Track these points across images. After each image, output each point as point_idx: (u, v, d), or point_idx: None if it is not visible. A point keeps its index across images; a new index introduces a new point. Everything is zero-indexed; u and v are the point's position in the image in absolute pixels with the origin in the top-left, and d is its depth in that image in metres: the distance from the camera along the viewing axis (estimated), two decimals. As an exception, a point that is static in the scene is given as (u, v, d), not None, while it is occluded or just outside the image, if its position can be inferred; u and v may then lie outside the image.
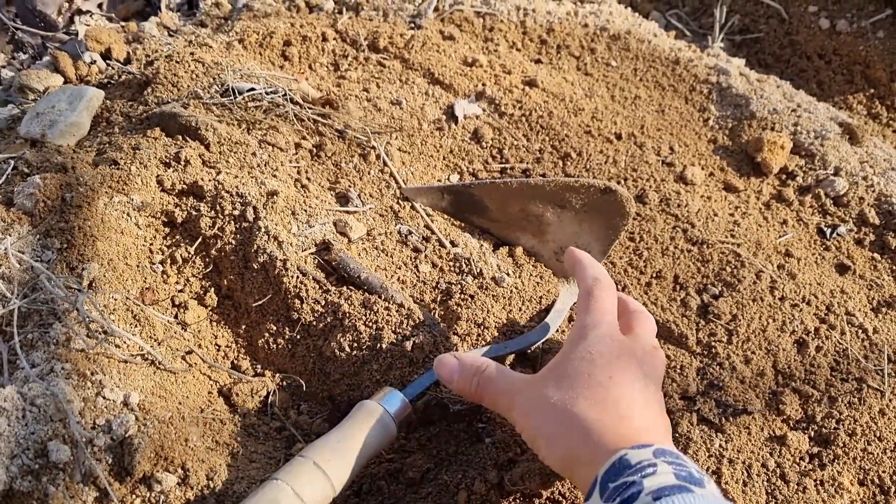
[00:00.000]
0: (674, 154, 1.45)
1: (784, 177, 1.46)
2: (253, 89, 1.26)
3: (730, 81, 1.58)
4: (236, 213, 1.13)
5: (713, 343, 1.23)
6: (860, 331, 1.29)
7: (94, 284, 1.04)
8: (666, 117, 1.52)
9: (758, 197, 1.42)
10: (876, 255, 1.39)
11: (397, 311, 1.08)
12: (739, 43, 1.86)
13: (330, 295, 1.09)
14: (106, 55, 1.50)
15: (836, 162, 1.45)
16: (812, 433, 1.16)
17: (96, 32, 1.50)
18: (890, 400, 1.23)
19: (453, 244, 1.22)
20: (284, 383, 1.09)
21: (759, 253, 1.32)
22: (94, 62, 1.48)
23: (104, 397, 0.92)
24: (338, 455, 0.87)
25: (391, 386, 0.98)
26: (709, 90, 1.58)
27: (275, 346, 1.09)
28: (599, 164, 1.39)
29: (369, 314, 1.08)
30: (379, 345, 1.04)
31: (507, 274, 1.22)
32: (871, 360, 1.28)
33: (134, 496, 0.87)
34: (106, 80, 1.45)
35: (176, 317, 1.10)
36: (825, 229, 1.40)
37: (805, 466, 1.12)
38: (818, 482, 1.10)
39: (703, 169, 1.44)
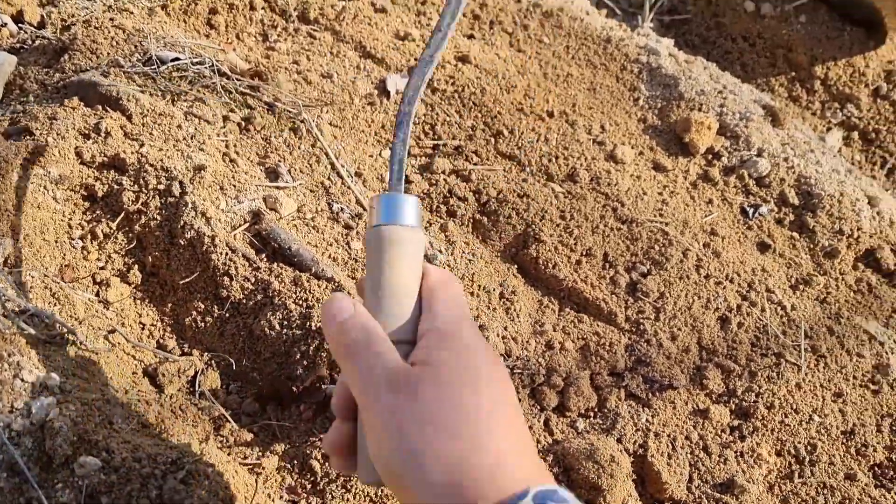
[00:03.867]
0: (604, 133, 1.46)
1: (710, 157, 1.49)
2: (178, 59, 1.21)
3: (660, 62, 1.60)
4: (161, 187, 1.09)
5: (641, 320, 1.26)
6: (779, 308, 1.34)
7: (9, 261, 0.99)
8: (597, 96, 1.53)
9: (685, 176, 1.45)
10: (795, 234, 1.44)
11: (329, 287, 1.07)
12: (668, 23, 1.89)
13: (260, 272, 1.07)
14: (18, 18, 1.42)
15: (759, 143, 1.49)
16: (733, 406, 1.20)
17: (7, -6, 1.41)
18: (806, 374, 1.28)
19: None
20: (213, 363, 1.06)
21: (685, 231, 1.35)
22: (4, 25, 1.40)
23: (22, 379, 0.88)
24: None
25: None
26: (639, 70, 1.60)
27: (203, 324, 1.06)
28: (531, 141, 1.39)
29: (300, 291, 1.06)
30: (309, 323, 1.03)
31: (440, 251, 1.21)
32: (789, 336, 1.33)
33: (55, 481, 0.84)
34: (18, 45, 1.37)
35: (98, 294, 1.06)
36: (748, 209, 1.44)
37: (726, 438, 1.16)
38: (738, 453, 1.14)
39: (632, 148, 1.45)
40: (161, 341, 1.07)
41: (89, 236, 1.09)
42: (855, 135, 1.76)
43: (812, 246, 1.43)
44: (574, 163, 1.38)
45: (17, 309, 0.94)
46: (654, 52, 1.60)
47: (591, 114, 1.48)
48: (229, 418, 0.99)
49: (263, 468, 0.94)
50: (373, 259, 0.67)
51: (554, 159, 1.38)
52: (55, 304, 0.99)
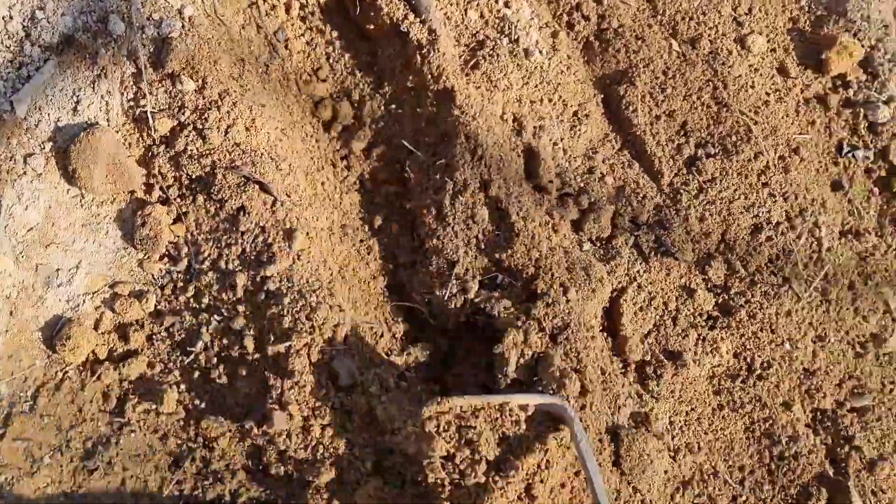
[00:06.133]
0: (749, 15, 1.45)
1: (838, 83, 1.47)
2: None
3: (846, -30, 1.54)
4: None
5: (682, 190, 1.33)
6: (816, 243, 1.37)
7: None
8: (766, -27, 1.51)
9: (802, 90, 1.45)
10: (875, 189, 1.43)
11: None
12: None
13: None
14: None
15: (892, 91, 1.46)
16: (720, 301, 1.30)
17: None
18: (802, 308, 1.32)
19: (507, 5, 1.30)
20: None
21: (770, 137, 1.38)
22: None
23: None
24: None
25: None
26: (822, -32, 1.55)
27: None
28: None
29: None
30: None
31: (540, 52, 1.31)
32: (808, 270, 1.38)
33: (159, 85, 1.09)
34: None
35: None
36: (845, 146, 1.44)
37: (697, 320, 1.26)
38: (701, 337, 1.25)
39: (768, 41, 1.45)
40: None
41: None
42: None
43: (885, 208, 1.43)
44: (703, 31, 1.41)
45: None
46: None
47: (748, -9, 1.48)
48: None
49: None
50: None
51: (688, 19, 1.41)
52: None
